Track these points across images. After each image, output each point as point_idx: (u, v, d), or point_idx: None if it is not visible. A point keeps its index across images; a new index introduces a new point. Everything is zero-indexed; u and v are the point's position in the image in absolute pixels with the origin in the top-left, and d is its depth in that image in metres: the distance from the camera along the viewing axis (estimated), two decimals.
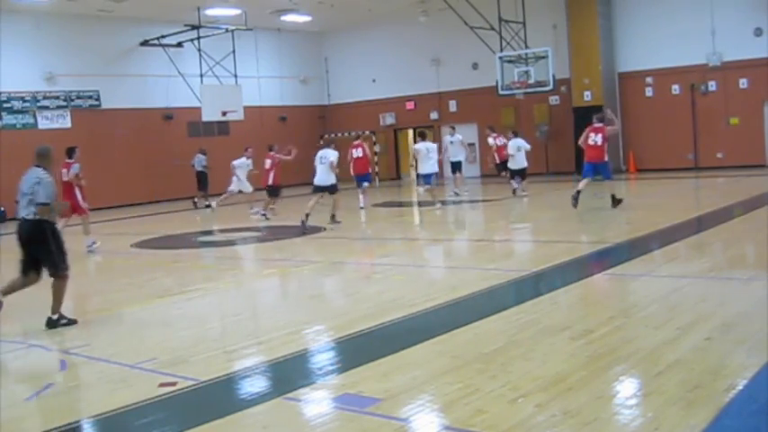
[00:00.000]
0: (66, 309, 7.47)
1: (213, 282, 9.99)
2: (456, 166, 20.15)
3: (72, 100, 22.96)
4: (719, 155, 22.31)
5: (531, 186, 19.25)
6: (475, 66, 26.05)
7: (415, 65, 27.55)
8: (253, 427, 4.49)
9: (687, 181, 20.33)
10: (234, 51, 23.84)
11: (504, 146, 19.82)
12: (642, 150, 23.30)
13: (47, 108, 22.42)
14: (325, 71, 30.45)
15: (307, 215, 14.31)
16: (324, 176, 14.64)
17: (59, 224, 7.57)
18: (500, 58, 22.54)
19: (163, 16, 23.84)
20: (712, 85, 22.26)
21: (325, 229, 14.34)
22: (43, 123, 22.31)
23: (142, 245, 14.05)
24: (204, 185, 22.16)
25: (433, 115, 27.62)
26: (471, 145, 24.50)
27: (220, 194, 19.80)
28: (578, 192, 14.35)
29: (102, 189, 21.04)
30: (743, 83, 21.68)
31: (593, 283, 8.24)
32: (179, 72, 24.13)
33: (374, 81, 28.90)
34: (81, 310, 8.17)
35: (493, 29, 22.56)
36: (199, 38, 23.45)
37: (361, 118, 28.72)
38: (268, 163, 17.26)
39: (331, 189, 14.72)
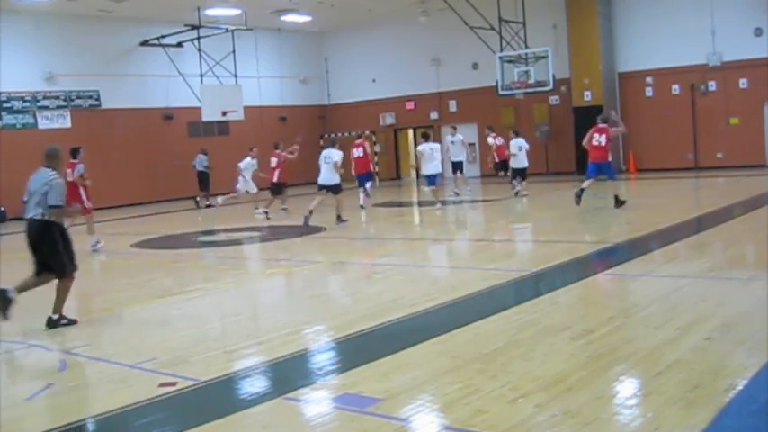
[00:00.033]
0: (67, 309, 7.47)
1: (213, 282, 9.99)
2: (457, 166, 20.18)
3: (72, 100, 22.96)
4: (719, 155, 22.31)
5: (531, 186, 19.25)
6: (475, 66, 26.05)
7: (415, 65, 27.55)
8: (253, 427, 4.49)
9: (687, 181, 20.33)
10: (234, 51, 23.84)
11: (504, 146, 19.96)
12: (642, 150, 23.30)
13: (47, 108, 22.43)
14: (325, 71, 30.45)
15: (310, 212, 14.45)
16: (328, 176, 14.65)
17: (66, 223, 7.60)
18: (500, 58, 22.54)
19: (163, 16, 23.84)
20: (712, 85, 22.26)
21: (325, 228, 14.34)
22: (43, 123, 22.31)
23: (142, 245, 14.05)
24: (206, 185, 22.17)
25: (433, 115, 27.62)
26: (471, 145, 24.50)
27: (224, 194, 19.84)
28: (582, 190, 14.37)
29: (103, 189, 20.99)
30: (743, 83, 21.68)
31: (593, 283, 8.24)
32: (179, 72, 24.13)
33: (374, 81, 28.89)
34: (81, 309, 8.17)
35: (493, 29, 22.57)
36: (199, 38, 23.45)
37: (361, 118, 28.72)
38: (274, 161, 17.54)
39: (335, 189, 14.71)
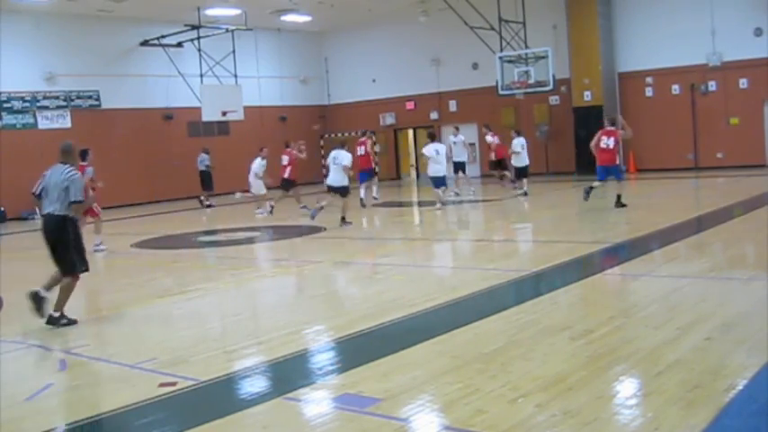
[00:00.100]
0: (67, 308, 7.47)
1: (213, 282, 9.99)
2: (459, 167, 20.23)
3: (72, 100, 22.96)
4: (719, 155, 22.31)
5: (531, 186, 19.25)
6: (475, 66, 26.04)
7: (415, 65, 27.54)
8: (253, 427, 4.49)
9: (687, 181, 20.34)
10: (234, 51, 23.84)
11: (501, 144, 20.23)
12: (642, 150, 23.29)
13: (47, 108, 22.42)
14: (325, 71, 30.45)
15: (321, 207, 14.62)
16: (337, 177, 14.63)
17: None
18: (500, 58, 22.54)
19: (163, 16, 23.83)
20: (712, 85, 22.25)
21: (325, 228, 14.34)
22: (43, 123, 22.31)
23: (142, 245, 14.05)
24: (209, 185, 22.18)
25: (433, 115, 27.62)
26: (472, 145, 24.50)
27: (243, 191, 19.87)
28: (591, 187, 14.39)
29: (103, 189, 21.00)
30: (743, 83, 21.68)
31: (593, 283, 8.23)
32: (179, 72, 24.13)
33: (374, 81, 28.89)
34: (82, 309, 8.15)
35: (493, 29, 22.56)
36: (199, 38, 23.45)
37: (361, 118, 28.70)
38: (285, 159, 17.83)
39: (342, 191, 14.69)
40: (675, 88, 22.83)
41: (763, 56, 20.87)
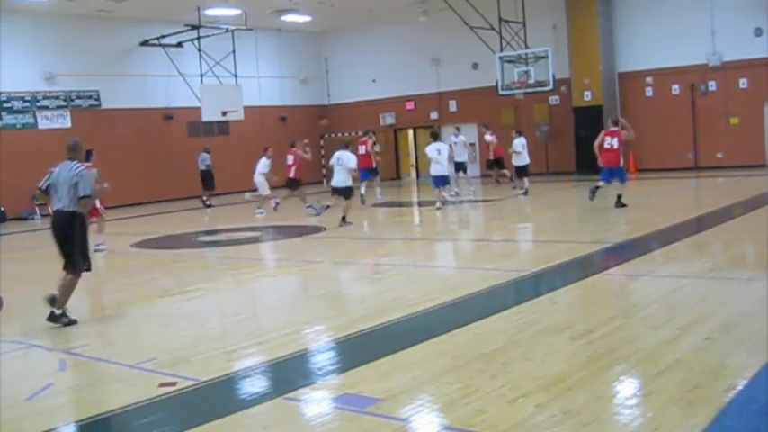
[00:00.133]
0: (67, 308, 7.47)
1: (213, 282, 9.99)
2: (459, 167, 20.28)
3: (72, 100, 22.96)
4: (719, 155, 22.31)
5: (530, 186, 19.25)
6: (475, 66, 26.04)
7: (415, 65, 27.53)
8: (253, 427, 4.49)
9: (687, 181, 20.34)
10: (234, 51, 23.84)
11: (500, 144, 20.58)
12: (642, 150, 23.28)
13: (47, 108, 22.42)
14: (325, 71, 30.45)
15: (327, 206, 14.77)
16: (341, 178, 14.62)
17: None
18: (500, 58, 22.54)
19: (163, 16, 23.83)
20: (712, 85, 22.25)
21: (325, 228, 14.35)
22: (43, 123, 22.31)
23: (142, 245, 14.05)
24: (210, 184, 22.19)
25: (433, 115, 27.61)
26: (472, 145, 24.50)
27: (252, 191, 19.90)
28: (597, 187, 14.36)
29: (106, 189, 21.04)
30: (743, 83, 21.67)
31: (593, 283, 8.23)
32: (179, 72, 24.12)
33: (374, 81, 28.89)
34: (82, 309, 8.15)
35: (493, 29, 22.56)
36: (199, 38, 23.45)
37: (361, 118, 28.70)
38: (290, 159, 17.88)
39: (345, 192, 14.69)
40: (675, 88, 22.83)
41: (763, 56, 20.87)
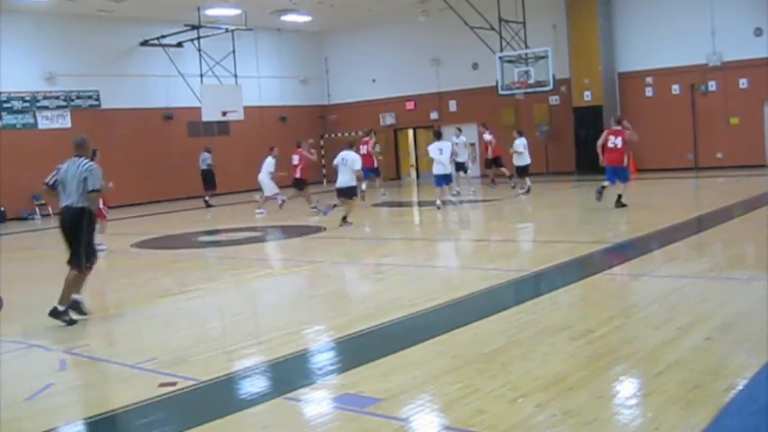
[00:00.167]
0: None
1: (213, 282, 9.99)
2: (460, 166, 20.33)
3: (72, 100, 22.96)
4: (719, 155, 22.31)
5: (530, 186, 19.26)
6: (475, 66, 26.04)
7: (415, 65, 27.54)
8: (253, 427, 4.49)
9: (687, 181, 20.34)
10: (234, 51, 23.84)
11: (498, 143, 20.98)
12: (642, 150, 23.25)
13: (47, 108, 22.42)
14: (325, 71, 30.44)
15: (334, 205, 14.90)
16: (345, 178, 14.61)
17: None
18: (500, 58, 22.54)
19: (163, 16, 23.83)
20: (712, 85, 22.25)
21: (325, 228, 14.35)
22: (43, 123, 22.31)
23: (142, 245, 14.05)
24: (211, 183, 22.20)
25: (433, 115, 27.61)
26: (472, 145, 24.51)
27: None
28: (603, 187, 14.32)
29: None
30: (743, 83, 21.67)
31: (593, 283, 8.23)
32: (179, 72, 24.12)
33: (374, 81, 28.89)
34: (77, 313, 8.15)
35: (493, 29, 22.56)
36: (199, 38, 23.45)
37: (361, 118, 28.71)
38: (296, 159, 17.99)
39: (349, 192, 14.67)
40: (675, 88, 22.83)
41: (763, 56, 20.87)
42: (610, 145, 14.23)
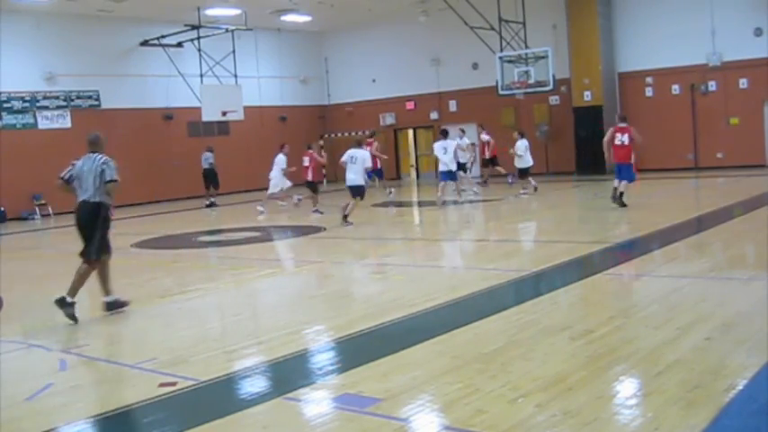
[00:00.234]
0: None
1: (213, 282, 10.00)
2: (461, 167, 20.34)
3: (72, 100, 22.96)
4: (719, 155, 22.31)
5: (529, 186, 19.27)
6: (475, 66, 26.04)
7: (415, 65, 27.54)
8: (253, 427, 4.49)
9: (687, 181, 20.34)
10: (234, 51, 23.84)
11: (496, 144, 21.28)
12: (642, 150, 23.19)
13: (47, 108, 22.42)
14: (325, 71, 30.45)
15: (347, 205, 14.78)
16: (353, 176, 14.59)
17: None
18: (500, 58, 22.54)
19: (163, 16, 23.83)
20: (712, 85, 22.25)
21: (325, 228, 14.35)
22: (43, 123, 22.31)
23: (142, 245, 14.06)
24: (214, 183, 22.21)
25: (433, 115, 27.62)
26: (472, 145, 24.49)
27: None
28: (616, 189, 14.24)
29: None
30: (743, 83, 21.67)
31: (593, 283, 8.23)
32: (179, 72, 24.12)
33: (374, 81, 28.89)
34: (82, 309, 8.14)
35: (493, 29, 22.56)
36: (199, 38, 23.45)
37: (361, 118, 28.71)
38: (306, 160, 18.10)
39: (357, 191, 14.64)
40: (675, 88, 22.83)
41: (763, 56, 20.87)
42: (617, 142, 14.21)
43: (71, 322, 7.36)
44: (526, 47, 22.53)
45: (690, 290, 7.45)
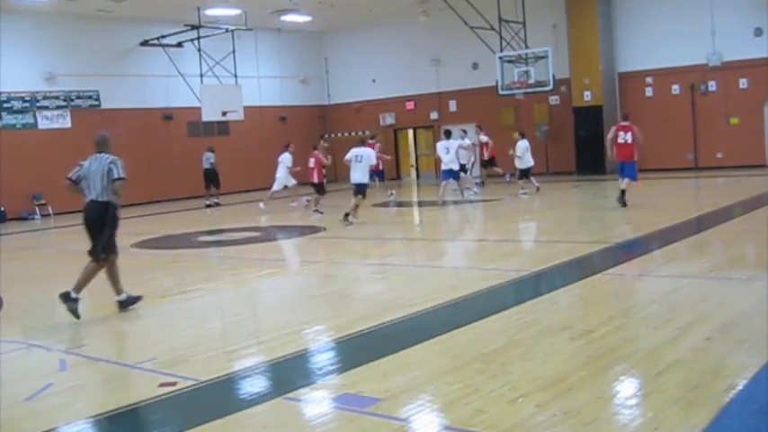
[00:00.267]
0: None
1: (213, 282, 10.00)
2: (462, 167, 20.37)
3: (72, 100, 22.96)
4: (719, 155, 22.31)
5: (531, 186, 19.27)
6: (475, 66, 26.04)
7: (415, 65, 27.54)
8: (253, 427, 4.49)
9: (687, 181, 20.33)
10: (234, 51, 23.84)
11: (495, 145, 21.45)
12: (642, 150, 23.21)
13: (47, 108, 22.41)
14: (325, 71, 30.44)
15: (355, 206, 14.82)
16: (358, 175, 14.57)
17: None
18: (500, 58, 22.54)
19: (163, 16, 23.83)
20: (712, 85, 22.25)
21: (325, 228, 14.35)
22: (43, 123, 22.30)
23: (142, 245, 14.06)
24: (215, 182, 22.21)
25: (433, 115, 27.62)
26: (473, 145, 24.49)
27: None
28: (623, 191, 14.23)
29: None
30: (743, 83, 21.67)
31: (593, 283, 8.23)
32: (179, 72, 24.12)
33: (374, 81, 28.89)
34: (82, 309, 8.14)
35: (493, 29, 22.56)
36: (199, 38, 23.44)
37: (361, 118, 28.71)
38: (312, 161, 18.11)
39: (361, 189, 14.60)
40: (675, 88, 22.83)
41: (763, 56, 20.86)
42: (620, 140, 14.21)
43: (72, 318, 7.35)
44: (526, 47, 22.53)
45: (690, 290, 7.45)
